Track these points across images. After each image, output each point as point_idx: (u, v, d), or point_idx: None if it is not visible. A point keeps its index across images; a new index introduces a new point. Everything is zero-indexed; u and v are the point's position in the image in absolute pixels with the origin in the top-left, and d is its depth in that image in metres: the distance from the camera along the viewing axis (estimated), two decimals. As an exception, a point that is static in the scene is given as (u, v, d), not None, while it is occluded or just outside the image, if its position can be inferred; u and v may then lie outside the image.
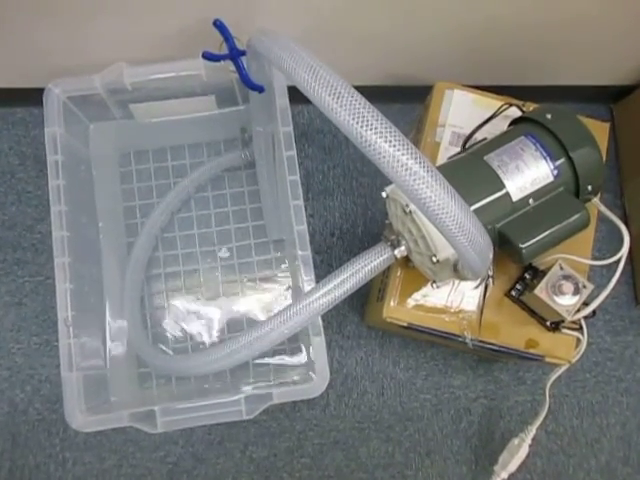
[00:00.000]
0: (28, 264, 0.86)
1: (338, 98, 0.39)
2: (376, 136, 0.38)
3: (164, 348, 0.79)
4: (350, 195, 0.90)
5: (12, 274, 0.86)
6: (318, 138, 0.92)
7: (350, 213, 0.90)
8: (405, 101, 0.90)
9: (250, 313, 0.82)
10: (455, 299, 0.65)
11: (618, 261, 0.62)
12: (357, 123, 0.38)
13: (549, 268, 0.61)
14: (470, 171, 0.57)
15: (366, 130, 0.38)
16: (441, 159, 0.68)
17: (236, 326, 0.81)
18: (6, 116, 0.90)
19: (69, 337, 0.64)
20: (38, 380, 0.83)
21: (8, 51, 0.76)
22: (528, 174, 0.56)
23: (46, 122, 0.69)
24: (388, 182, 0.57)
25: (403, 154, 0.38)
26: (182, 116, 0.80)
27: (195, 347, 0.79)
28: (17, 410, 0.83)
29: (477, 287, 0.64)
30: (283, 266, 0.83)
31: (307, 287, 0.64)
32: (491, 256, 0.46)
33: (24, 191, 0.88)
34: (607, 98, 0.94)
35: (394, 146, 0.38)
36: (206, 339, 0.80)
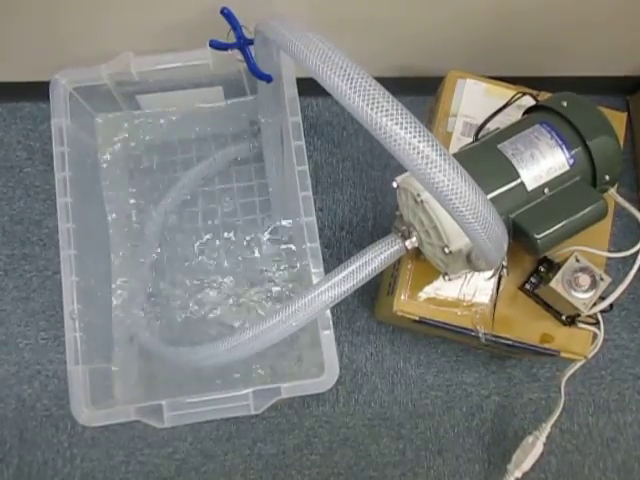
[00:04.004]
0: (36, 259, 0.86)
1: (349, 80, 0.37)
2: (387, 119, 0.36)
3: (171, 341, 0.78)
4: (360, 188, 0.89)
5: (20, 269, 0.86)
6: (327, 131, 0.91)
7: (360, 207, 0.89)
8: (416, 93, 0.88)
9: (258, 307, 0.81)
10: (468, 292, 0.63)
11: (636, 254, 0.61)
12: (368, 106, 0.37)
13: (564, 261, 0.59)
14: (483, 160, 0.56)
15: (377, 113, 0.36)
16: (453, 150, 0.66)
17: (244, 320, 0.80)
18: (14, 110, 0.91)
19: (75, 330, 0.63)
20: (46, 376, 0.83)
21: (15, 44, 0.76)
22: (543, 163, 0.55)
23: (52, 113, 0.68)
24: (399, 175, 0.56)
25: (415, 137, 0.36)
26: (189, 107, 0.79)
27: (202, 340, 0.78)
28: (25, 406, 0.82)
29: (491, 278, 0.63)
30: (292, 260, 0.81)
31: (316, 280, 0.63)
32: (506, 245, 0.44)
33: (32, 185, 0.88)
34: (623, 90, 0.92)
35: (405, 129, 0.36)
36: (212, 332, 0.79)
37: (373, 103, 0.37)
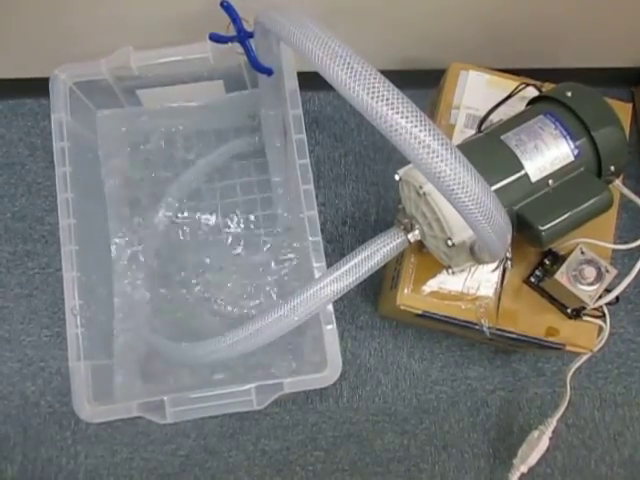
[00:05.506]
0: (38, 256, 0.86)
1: (349, 70, 0.37)
2: (388, 108, 0.36)
3: (173, 337, 0.78)
4: (362, 183, 0.88)
5: (22, 266, 0.86)
6: (329, 125, 0.90)
7: (362, 201, 0.88)
8: (418, 86, 0.87)
9: (260, 303, 0.80)
10: (472, 286, 0.63)
11: (642, 245, 0.60)
12: (368, 95, 0.36)
13: (569, 253, 0.59)
14: (486, 151, 0.55)
15: (378, 102, 0.36)
16: (456, 142, 0.66)
17: (246, 316, 0.79)
18: (15, 107, 0.90)
19: (77, 326, 0.63)
20: (49, 373, 0.83)
21: (16, 41, 0.76)
22: (547, 154, 0.54)
23: (52, 108, 0.68)
24: (401, 168, 0.56)
25: (417, 126, 0.36)
26: (190, 102, 0.78)
27: (203, 337, 0.77)
28: (28, 403, 0.82)
29: (495, 270, 0.62)
30: (294, 255, 0.81)
31: (318, 274, 0.63)
32: (510, 236, 0.44)
33: (34, 182, 0.88)
34: (628, 81, 0.91)
35: (407, 118, 0.36)
36: (215, 329, 0.79)
37: (374, 93, 0.36)
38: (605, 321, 0.62)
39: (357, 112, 0.37)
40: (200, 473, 0.81)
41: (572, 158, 0.54)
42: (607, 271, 0.57)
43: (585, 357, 0.64)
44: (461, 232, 0.50)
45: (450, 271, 0.56)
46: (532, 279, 0.63)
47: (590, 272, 0.57)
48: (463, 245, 0.51)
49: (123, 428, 0.82)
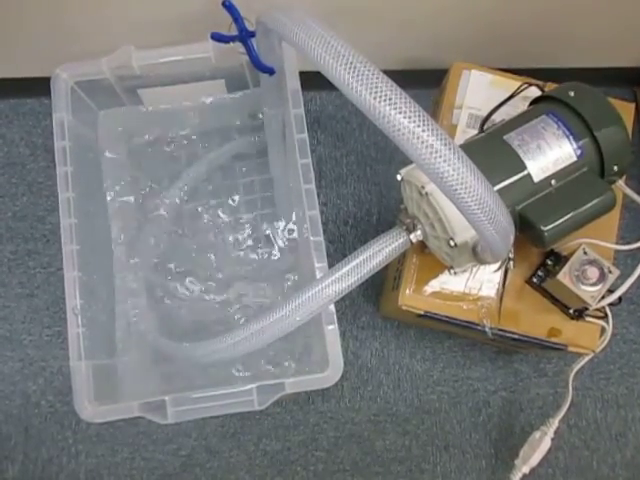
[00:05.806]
0: (39, 255, 0.86)
1: (352, 69, 0.37)
2: (391, 108, 0.36)
3: (175, 337, 0.78)
4: (364, 182, 0.88)
5: (23, 265, 0.86)
6: (331, 125, 0.90)
7: (364, 201, 0.88)
8: (420, 86, 0.87)
9: (261, 303, 0.80)
10: (474, 286, 0.63)
11: (645, 246, 0.60)
12: (371, 95, 0.36)
13: (572, 253, 0.59)
14: (489, 151, 0.55)
15: (381, 102, 0.36)
16: (458, 142, 0.66)
17: (247, 315, 0.79)
18: (17, 106, 0.90)
19: (78, 326, 0.63)
20: (50, 372, 0.83)
21: (17, 40, 0.76)
22: (550, 154, 0.54)
23: (54, 108, 0.68)
24: (403, 168, 0.56)
25: (419, 126, 0.36)
26: (192, 101, 0.78)
27: (205, 335, 0.77)
28: (29, 402, 0.82)
29: (497, 270, 0.62)
30: (296, 255, 0.81)
31: (319, 274, 0.62)
32: (512, 236, 0.44)
33: (35, 182, 0.88)
34: (630, 80, 0.91)
35: (409, 118, 0.36)
36: (216, 328, 0.78)
37: (377, 92, 0.36)
38: (607, 322, 0.61)
39: (359, 112, 0.37)
40: (201, 473, 0.81)
41: (575, 158, 0.54)
42: (610, 272, 0.57)
43: (587, 358, 0.64)
44: (463, 232, 0.50)
45: (452, 271, 0.56)
46: (534, 279, 0.63)
47: (593, 272, 0.57)
48: (465, 245, 0.51)
49: (124, 428, 0.82)
